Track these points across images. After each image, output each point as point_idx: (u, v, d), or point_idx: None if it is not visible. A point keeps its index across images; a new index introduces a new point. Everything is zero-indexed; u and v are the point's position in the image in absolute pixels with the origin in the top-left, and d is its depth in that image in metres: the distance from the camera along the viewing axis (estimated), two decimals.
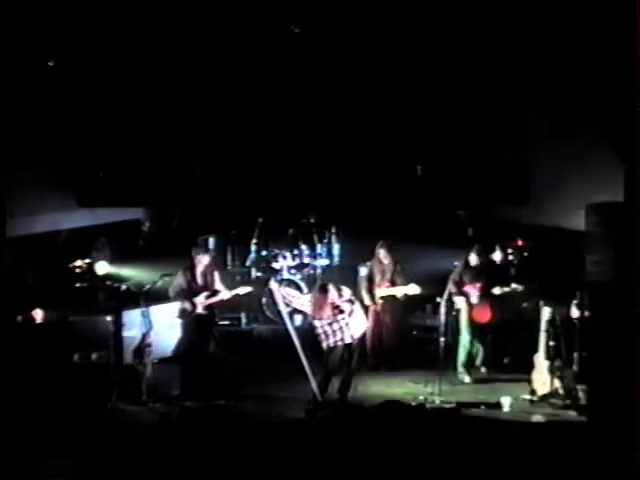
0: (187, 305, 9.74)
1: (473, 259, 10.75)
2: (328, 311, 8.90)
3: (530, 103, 10.86)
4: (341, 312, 8.93)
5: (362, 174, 12.53)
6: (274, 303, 9.88)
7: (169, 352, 10.21)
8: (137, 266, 12.32)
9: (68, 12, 9.94)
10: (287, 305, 9.56)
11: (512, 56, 10.37)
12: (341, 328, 8.95)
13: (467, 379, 10.51)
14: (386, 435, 8.04)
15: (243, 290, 10.22)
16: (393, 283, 11.04)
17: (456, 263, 11.09)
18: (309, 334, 9.40)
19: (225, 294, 9.91)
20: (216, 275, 9.98)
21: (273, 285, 9.62)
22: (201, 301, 9.76)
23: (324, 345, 9.07)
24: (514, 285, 10.69)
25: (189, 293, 9.79)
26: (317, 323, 9.03)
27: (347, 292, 9.14)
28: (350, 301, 9.07)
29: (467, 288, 10.60)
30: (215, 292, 9.89)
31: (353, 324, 9.03)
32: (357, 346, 9.17)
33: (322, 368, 9.20)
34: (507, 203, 12.37)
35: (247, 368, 10.90)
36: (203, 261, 9.87)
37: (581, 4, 9.34)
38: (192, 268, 9.87)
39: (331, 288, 9.01)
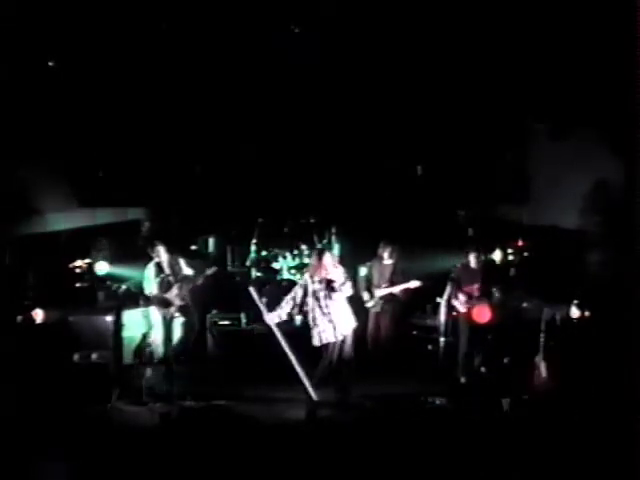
0: (162, 302, 9.80)
1: (472, 260, 10.76)
2: (322, 272, 8.96)
3: (530, 103, 10.87)
4: (330, 284, 8.93)
5: (362, 174, 12.53)
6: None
7: None
8: (137, 266, 12.31)
9: (68, 12, 9.94)
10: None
11: (512, 56, 10.37)
12: (326, 324, 8.92)
13: (462, 379, 10.51)
14: (386, 435, 8.05)
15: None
16: (392, 283, 11.09)
17: (456, 264, 11.09)
18: (308, 335, 9.37)
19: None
20: (181, 262, 10.04)
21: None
22: (176, 293, 9.79)
23: (316, 340, 8.97)
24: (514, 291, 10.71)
25: (163, 289, 9.83)
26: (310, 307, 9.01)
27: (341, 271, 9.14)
28: (342, 278, 9.04)
29: (466, 289, 10.60)
30: (184, 277, 9.93)
31: (339, 321, 8.97)
32: (351, 346, 9.07)
33: (319, 369, 9.08)
34: (507, 203, 12.37)
35: (247, 368, 10.89)
36: (161, 257, 9.96)
37: (581, 3, 9.35)
38: (157, 264, 9.97)
39: (328, 254, 9.21)
